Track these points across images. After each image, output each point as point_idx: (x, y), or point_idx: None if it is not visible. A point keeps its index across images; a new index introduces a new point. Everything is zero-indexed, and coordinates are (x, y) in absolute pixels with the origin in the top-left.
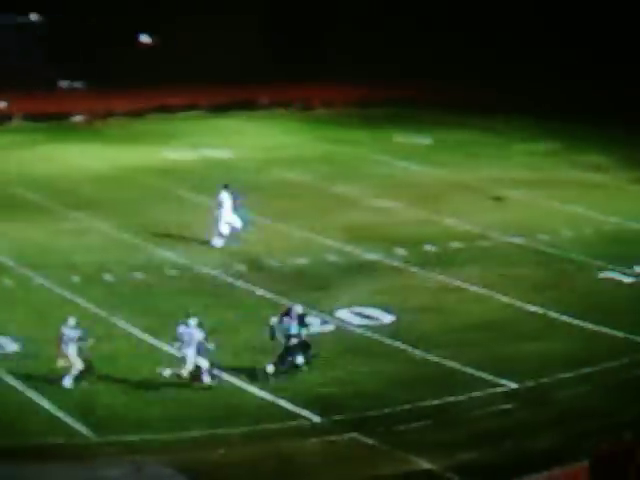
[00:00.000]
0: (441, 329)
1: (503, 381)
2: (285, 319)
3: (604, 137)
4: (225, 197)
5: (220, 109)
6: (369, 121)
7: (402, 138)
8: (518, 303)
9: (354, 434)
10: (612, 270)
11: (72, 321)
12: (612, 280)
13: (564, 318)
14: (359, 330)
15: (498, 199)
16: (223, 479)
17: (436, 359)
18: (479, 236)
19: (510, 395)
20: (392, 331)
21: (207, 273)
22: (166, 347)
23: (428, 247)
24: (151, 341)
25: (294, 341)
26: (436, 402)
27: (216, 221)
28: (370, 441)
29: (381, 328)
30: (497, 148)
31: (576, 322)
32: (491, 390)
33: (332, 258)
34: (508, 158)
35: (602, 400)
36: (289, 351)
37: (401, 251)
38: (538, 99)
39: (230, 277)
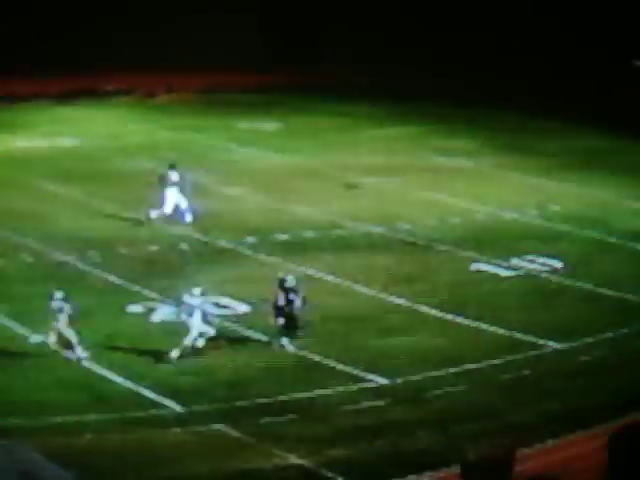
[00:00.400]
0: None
1: (371, 376)
2: (280, 291)
3: (468, 120)
4: (173, 176)
5: (67, 97)
6: (214, 108)
7: (249, 124)
8: (381, 295)
9: (219, 425)
10: (486, 262)
11: (59, 294)
12: (486, 273)
13: (434, 312)
14: (215, 320)
15: (353, 186)
16: (90, 466)
17: (295, 351)
18: (333, 225)
19: (380, 391)
20: (248, 321)
21: (61, 260)
22: (26, 332)
23: (280, 236)
24: (11, 326)
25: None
26: (301, 395)
27: (162, 201)
28: (236, 433)
29: (237, 318)
30: (350, 133)
31: (449, 317)
32: (359, 385)
33: (183, 246)
34: (362, 143)
35: (483, 401)
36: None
37: (252, 240)
38: (396, 81)
39: (84, 264)
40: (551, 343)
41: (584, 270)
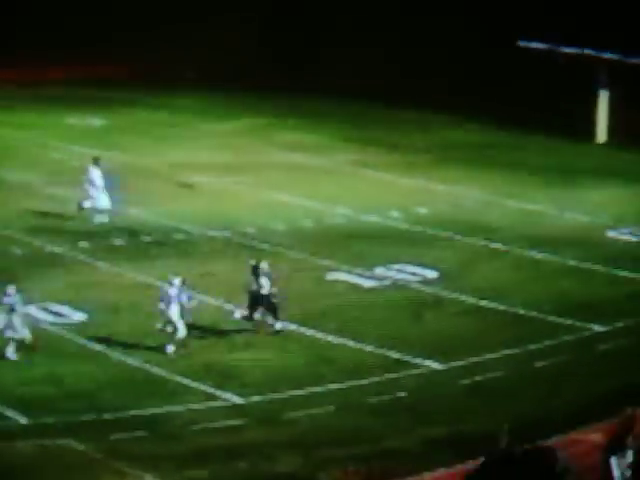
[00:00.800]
0: (138, 331)
1: (224, 394)
2: (252, 278)
3: (317, 112)
4: (94, 172)
5: None
6: (40, 102)
7: (76, 120)
8: (228, 306)
9: (67, 440)
10: (345, 272)
11: (11, 289)
12: (346, 283)
13: (289, 326)
14: (51, 328)
15: (190, 186)
16: None
17: (138, 364)
18: (172, 229)
19: (235, 410)
20: (84, 330)
21: None
22: None
23: (116, 240)
24: None
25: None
26: (152, 411)
27: (85, 195)
28: (85, 449)
29: (72, 326)
30: (184, 128)
31: (307, 332)
32: (212, 403)
33: (14, 250)
34: (198, 139)
35: (352, 424)
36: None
37: (86, 244)
38: (236, 73)
39: None
40: (428, 362)
41: (464, 280)
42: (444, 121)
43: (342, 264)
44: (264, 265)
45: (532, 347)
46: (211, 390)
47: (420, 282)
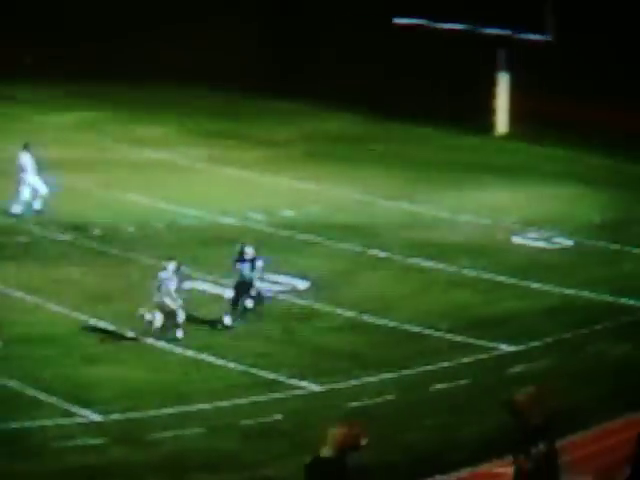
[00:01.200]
0: None
1: (82, 411)
2: (238, 264)
3: (160, 103)
4: (26, 159)
5: None
6: None
7: None
8: (75, 314)
9: None
10: (202, 280)
11: None
12: (203, 293)
13: (149, 340)
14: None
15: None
16: None
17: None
18: (13, 230)
19: (94, 428)
20: None
21: None
22: None
23: None
24: None
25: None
26: (3, 427)
27: (18, 186)
28: None
29: None
30: (15, 120)
31: (166, 346)
32: (69, 420)
33: None
34: (37, 133)
35: (224, 448)
36: (239, 295)
37: None
38: (66, 59)
39: None
40: (305, 384)
41: (341, 291)
42: (314, 111)
43: (198, 271)
44: (249, 250)
45: (427, 368)
46: (67, 406)
47: (289, 293)
